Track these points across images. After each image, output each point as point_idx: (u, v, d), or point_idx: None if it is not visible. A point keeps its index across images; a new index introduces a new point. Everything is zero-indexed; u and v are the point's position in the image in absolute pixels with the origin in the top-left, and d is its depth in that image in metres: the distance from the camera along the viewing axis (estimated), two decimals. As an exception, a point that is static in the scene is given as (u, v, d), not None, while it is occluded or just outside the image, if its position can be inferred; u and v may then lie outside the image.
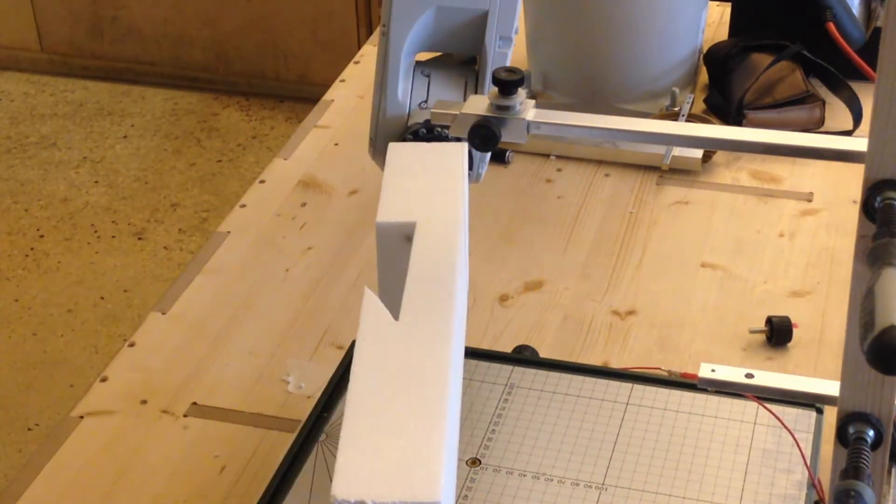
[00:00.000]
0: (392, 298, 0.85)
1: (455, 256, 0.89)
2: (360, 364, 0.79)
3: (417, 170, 0.97)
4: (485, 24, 1.08)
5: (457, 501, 0.97)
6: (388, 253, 0.93)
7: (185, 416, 1.13)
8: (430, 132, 1.04)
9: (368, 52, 1.76)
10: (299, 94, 3.35)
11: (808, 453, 1.00)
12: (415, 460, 0.73)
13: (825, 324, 1.22)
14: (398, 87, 1.08)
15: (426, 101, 1.08)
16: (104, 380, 1.18)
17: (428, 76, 1.09)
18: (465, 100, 1.04)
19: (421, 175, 0.97)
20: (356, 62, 1.73)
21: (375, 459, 0.73)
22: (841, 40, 1.48)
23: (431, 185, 0.96)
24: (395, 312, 0.83)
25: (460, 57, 1.12)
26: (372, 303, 0.84)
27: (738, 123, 1.49)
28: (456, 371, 0.84)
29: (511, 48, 1.07)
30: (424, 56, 1.13)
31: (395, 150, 1.00)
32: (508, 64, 1.07)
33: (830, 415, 0.99)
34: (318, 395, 1.08)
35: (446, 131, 1.01)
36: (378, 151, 1.11)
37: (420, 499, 0.70)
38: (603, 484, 0.99)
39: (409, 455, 0.73)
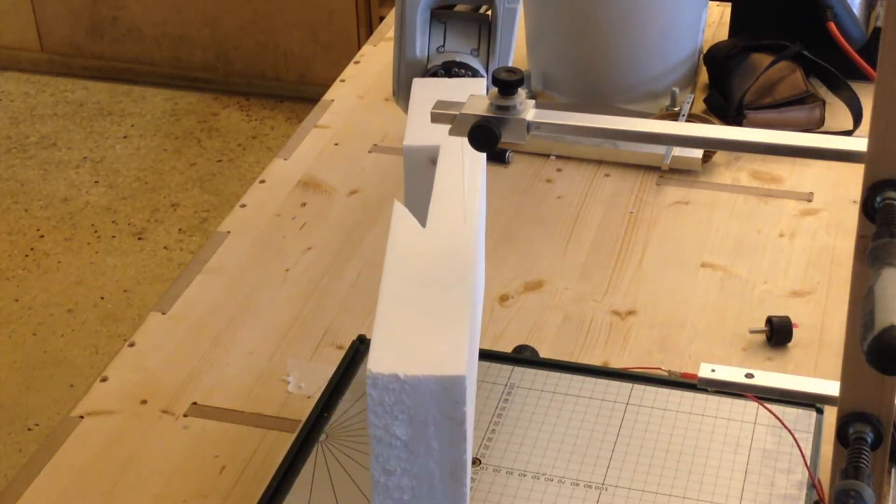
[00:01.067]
0: (418, 212, 0.92)
1: (477, 175, 0.96)
2: (392, 260, 0.89)
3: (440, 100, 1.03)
4: None
5: (457, 501, 0.97)
6: (414, 174, 1.01)
7: (185, 415, 1.13)
8: (447, 72, 1.12)
9: (368, 52, 1.76)
10: (299, 94, 3.35)
11: (808, 453, 1.00)
12: (441, 340, 0.80)
13: (825, 324, 1.22)
14: (416, 36, 1.16)
15: (443, 46, 1.17)
16: (104, 380, 1.18)
17: (444, 23, 1.17)
18: (478, 45, 1.15)
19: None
20: (356, 62, 1.73)
21: (406, 339, 0.81)
22: (841, 40, 1.48)
23: None
24: (423, 223, 0.91)
25: (473, 8, 1.22)
26: (401, 212, 0.92)
27: (739, 123, 1.49)
28: (478, 267, 0.92)
29: (520, 3, 1.15)
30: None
31: (420, 84, 1.08)
32: (519, 14, 1.16)
33: (830, 415, 0.99)
34: (318, 395, 1.08)
35: (463, 70, 1.08)
36: (402, 98, 1.19)
37: (446, 372, 0.77)
38: (603, 484, 0.99)
39: (436, 336, 0.81)
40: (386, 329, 0.82)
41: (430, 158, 0.99)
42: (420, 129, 1.01)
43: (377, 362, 0.78)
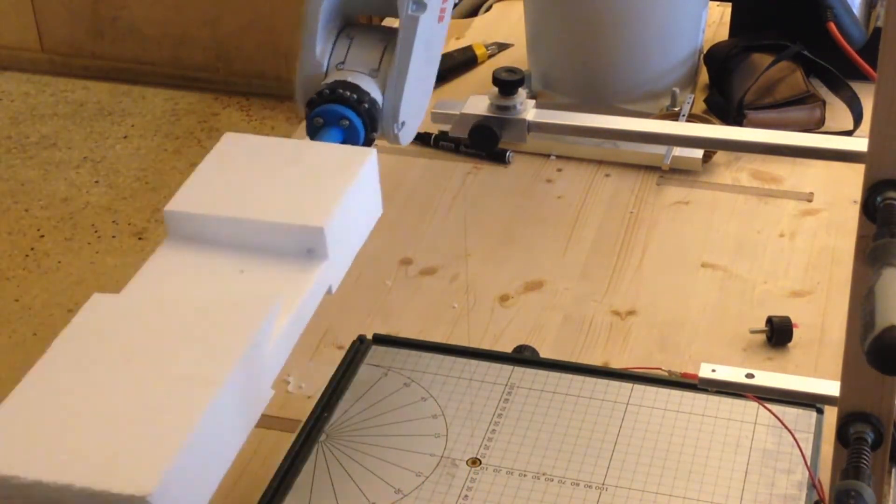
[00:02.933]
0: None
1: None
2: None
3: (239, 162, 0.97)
4: None
5: (457, 501, 0.98)
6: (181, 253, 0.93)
7: (185, 416, 1.13)
8: (332, 93, 1.04)
9: (369, 52, 1.75)
10: (300, 94, 3.35)
11: (808, 453, 1.00)
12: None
13: (825, 324, 1.22)
14: (316, 47, 1.08)
15: (343, 63, 1.08)
16: (104, 380, 1.17)
17: (351, 39, 1.09)
18: (379, 65, 1.05)
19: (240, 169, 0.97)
20: (356, 62, 1.73)
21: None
22: (841, 40, 1.48)
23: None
24: None
25: (385, 26, 1.13)
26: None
27: (739, 123, 1.49)
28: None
29: (426, 13, 1.05)
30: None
31: (229, 140, 1.00)
32: (425, 25, 1.06)
33: (831, 415, 0.99)
34: (318, 395, 1.08)
35: (347, 93, 1.01)
36: (300, 105, 1.11)
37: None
38: (603, 484, 0.99)
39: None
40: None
41: (305, 248, 0.92)
42: (201, 193, 0.95)
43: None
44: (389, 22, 1.15)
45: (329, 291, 0.95)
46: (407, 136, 1.07)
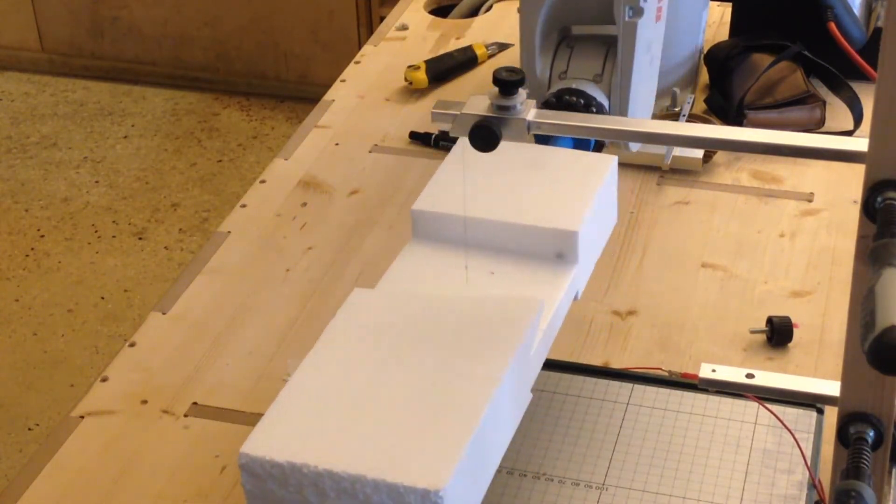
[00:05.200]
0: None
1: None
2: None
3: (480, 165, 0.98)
4: None
5: (457, 501, 0.97)
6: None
7: (185, 415, 1.13)
8: (559, 100, 1.05)
9: (369, 53, 1.76)
10: (300, 94, 3.34)
11: (808, 453, 1.00)
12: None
13: (826, 324, 1.22)
14: (536, 61, 1.09)
15: (566, 72, 1.09)
16: (105, 380, 1.17)
17: (571, 48, 1.10)
18: (602, 71, 1.06)
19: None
20: (356, 62, 1.73)
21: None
22: (842, 40, 1.47)
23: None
24: None
25: (602, 34, 1.13)
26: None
27: (739, 124, 1.49)
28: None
29: (644, 17, 1.06)
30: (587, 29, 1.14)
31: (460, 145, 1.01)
32: (644, 29, 1.06)
33: (831, 415, 0.99)
34: (319, 395, 1.08)
35: (574, 98, 1.02)
36: None
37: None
38: (603, 484, 0.99)
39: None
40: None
41: (555, 252, 0.93)
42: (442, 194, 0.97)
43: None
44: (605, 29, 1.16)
45: (576, 297, 0.95)
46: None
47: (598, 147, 1.08)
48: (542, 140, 1.02)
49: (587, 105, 1.04)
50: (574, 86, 1.06)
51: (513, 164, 0.99)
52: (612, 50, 1.08)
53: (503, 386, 0.80)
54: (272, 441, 0.76)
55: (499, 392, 0.79)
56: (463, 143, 0.96)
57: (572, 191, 0.97)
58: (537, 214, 0.94)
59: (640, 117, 1.08)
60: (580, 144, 1.04)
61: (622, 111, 1.06)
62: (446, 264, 0.94)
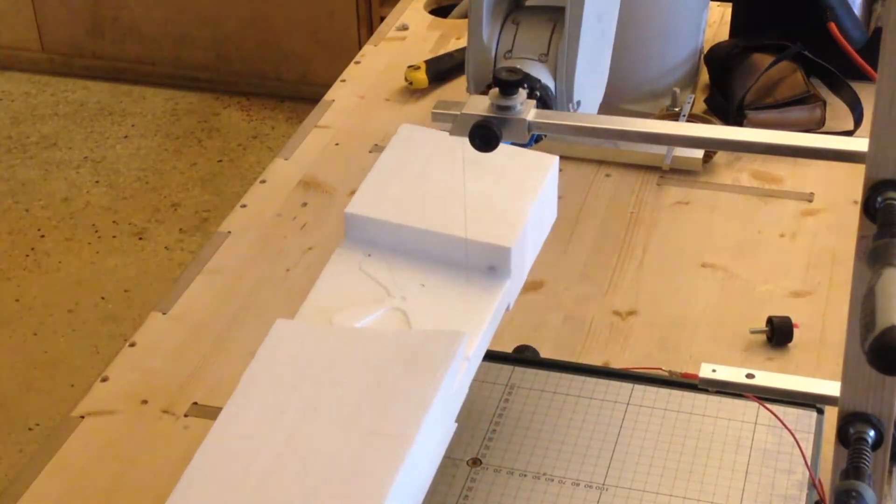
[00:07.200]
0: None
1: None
2: None
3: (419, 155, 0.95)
4: None
5: (457, 501, 0.97)
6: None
7: (185, 416, 1.13)
8: (497, 82, 1.00)
9: (369, 52, 1.76)
10: (300, 93, 3.34)
11: (808, 453, 1.00)
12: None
13: (826, 324, 1.22)
14: (483, 35, 1.03)
15: (511, 51, 1.03)
16: (105, 380, 1.17)
17: (517, 24, 1.05)
18: (548, 49, 1.00)
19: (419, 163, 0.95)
20: (357, 62, 1.73)
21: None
22: (842, 40, 1.47)
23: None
24: None
25: (552, 5, 1.06)
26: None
27: (739, 124, 1.49)
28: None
29: None
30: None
31: (405, 130, 0.99)
32: (592, 5, 1.01)
33: (831, 415, 0.99)
34: (319, 395, 1.08)
35: (514, 77, 0.97)
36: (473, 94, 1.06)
37: None
38: (603, 484, 0.99)
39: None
40: None
41: (488, 265, 0.90)
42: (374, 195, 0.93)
43: None
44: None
45: (508, 308, 0.93)
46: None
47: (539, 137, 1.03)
48: None
49: (531, 88, 0.98)
50: (518, 65, 0.99)
51: (451, 159, 0.95)
52: (558, 25, 1.01)
53: (417, 443, 0.78)
54: None
55: (413, 450, 0.77)
56: (403, 139, 0.93)
57: (510, 197, 0.93)
58: (471, 225, 0.91)
59: (590, 97, 1.03)
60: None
61: (568, 91, 1.01)
62: (377, 274, 0.91)
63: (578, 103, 1.03)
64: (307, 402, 0.81)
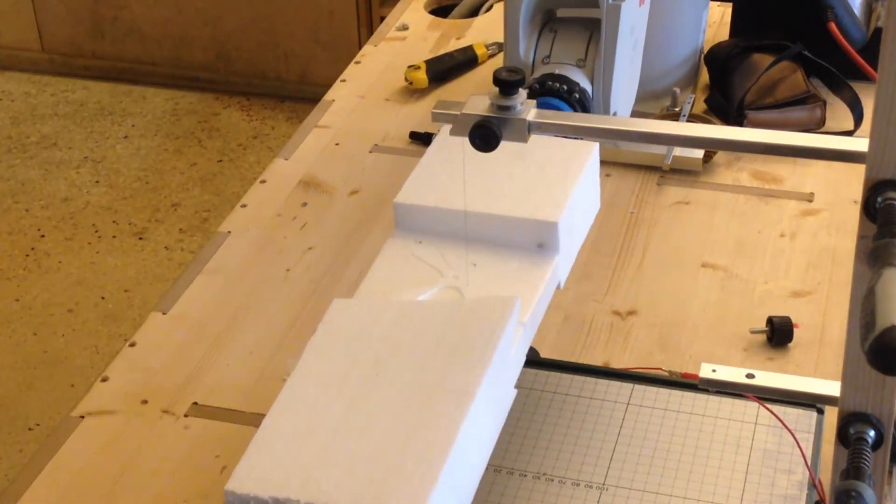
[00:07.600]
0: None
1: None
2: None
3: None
4: None
5: (457, 501, 0.97)
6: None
7: (185, 415, 1.13)
8: (542, 86, 1.03)
9: (369, 52, 1.76)
10: (300, 94, 3.34)
11: (808, 453, 1.00)
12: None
13: (826, 324, 1.22)
14: (519, 46, 1.08)
15: (549, 57, 1.08)
16: (105, 380, 1.18)
17: (555, 32, 1.09)
18: (585, 56, 1.04)
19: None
20: (357, 62, 1.73)
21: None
22: (842, 40, 1.47)
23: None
24: None
25: (586, 17, 1.11)
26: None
27: (739, 124, 1.49)
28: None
29: (628, 0, 1.04)
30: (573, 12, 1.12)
31: (444, 132, 1.01)
32: (627, 13, 1.04)
33: (831, 415, 0.99)
34: (319, 395, 1.08)
35: (557, 84, 1.01)
36: None
37: None
38: (603, 484, 0.99)
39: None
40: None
41: (537, 242, 0.93)
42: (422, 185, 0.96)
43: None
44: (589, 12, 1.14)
45: (558, 286, 0.95)
46: None
47: None
48: None
49: (570, 91, 1.03)
50: (557, 71, 1.04)
51: (493, 153, 0.99)
52: (595, 34, 1.06)
53: (478, 399, 0.80)
54: (256, 476, 0.77)
55: (475, 405, 0.80)
56: (446, 135, 0.96)
57: (553, 179, 0.97)
58: (518, 205, 0.94)
59: (624, 102, 1.07)
60: None
61: (605, 96, 1.04)
62: (430, 258, 0.94)
63: (615, 114, 1.06)
64: (369, 367, 0.83)
